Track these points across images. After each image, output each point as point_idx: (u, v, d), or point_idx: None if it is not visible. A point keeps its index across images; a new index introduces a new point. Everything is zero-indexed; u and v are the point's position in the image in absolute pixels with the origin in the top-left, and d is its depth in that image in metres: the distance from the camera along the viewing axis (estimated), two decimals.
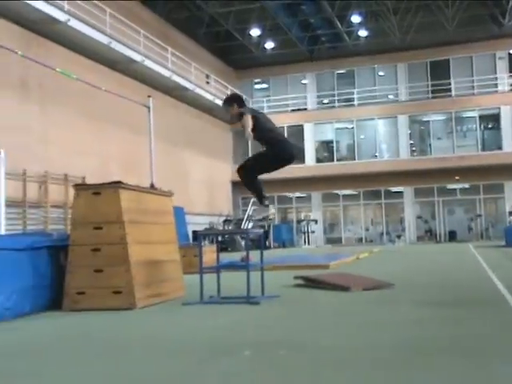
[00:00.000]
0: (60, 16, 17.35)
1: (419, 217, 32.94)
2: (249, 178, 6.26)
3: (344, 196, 34.05)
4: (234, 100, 6.44)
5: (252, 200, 31.72)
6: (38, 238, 6.14)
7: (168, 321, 5.11)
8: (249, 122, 5.95)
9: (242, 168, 6.28)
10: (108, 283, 5.69)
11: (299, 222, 33.51)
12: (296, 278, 7.63)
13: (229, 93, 31.08)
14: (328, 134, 34.31)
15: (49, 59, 15.96)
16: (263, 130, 6.17)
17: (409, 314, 4.92)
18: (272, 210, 6.40)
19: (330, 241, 33.53)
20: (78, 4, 18.63)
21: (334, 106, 34.17)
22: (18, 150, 15.02)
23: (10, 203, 14.00)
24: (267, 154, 6.26)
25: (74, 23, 17.98)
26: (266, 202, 6.32)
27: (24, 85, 16.97)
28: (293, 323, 4.71)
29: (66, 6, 17.75)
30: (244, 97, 5.44)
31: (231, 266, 8.01)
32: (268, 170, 6.31)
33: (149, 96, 8.04)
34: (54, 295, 5.76)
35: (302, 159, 33.33)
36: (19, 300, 5.29)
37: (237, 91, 32.71)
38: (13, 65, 15.93)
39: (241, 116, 6.16)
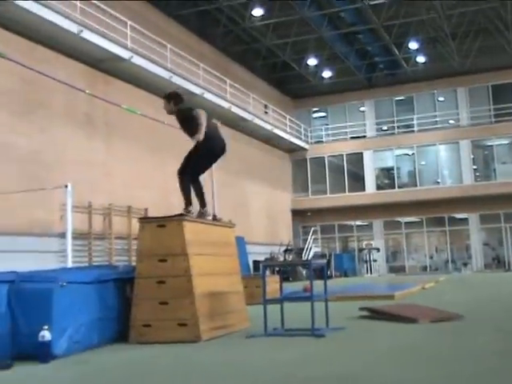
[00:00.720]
0: (124, 54, 17.94)
1: (486, 244, 31.88)
2: (185, 183, 6.49)
3: (406, 223, 33.37)
4: (172, 98, 6.64)
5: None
6: (105, 271, 6.26)
7: (234, 354, 5.07)
8: (202, 122, 6.36)
9: (181, 172, 6.49)
10: (173, 315, 5.72)
11: (361, 250, 33.04)
12: (361, 309, 7.48)
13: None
14: (388, 160, 33.90)
15: (113, 95, 16.50)
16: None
17: (482, 346, 4.73)
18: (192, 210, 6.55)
19: (392, 269, 32.81)
20: (139, 41, 19.23)
21: (393, 133, 33.76)
22: (83, 184, 15.46)
23: (76, 235, 14.38)
24: (201, 153, 6.43)
25: (137, 60, 18.54)
26: (190, 208, 6.47)
27: (90, 121, 17.54)
28: (361, 357, 4.60)
29: (129, 43, 18.35)
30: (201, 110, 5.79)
31: (295, 298, 7.92)
32: (203, 169, 6.77)
33: None
34: (120, 327, 5.82)
35: (361, 187, 33.03)
36: (87, 333, 5.37)
37: (295, 120, 32.89)
38: (80, 102, 16.56)
39: (183, 113, 6.51)
